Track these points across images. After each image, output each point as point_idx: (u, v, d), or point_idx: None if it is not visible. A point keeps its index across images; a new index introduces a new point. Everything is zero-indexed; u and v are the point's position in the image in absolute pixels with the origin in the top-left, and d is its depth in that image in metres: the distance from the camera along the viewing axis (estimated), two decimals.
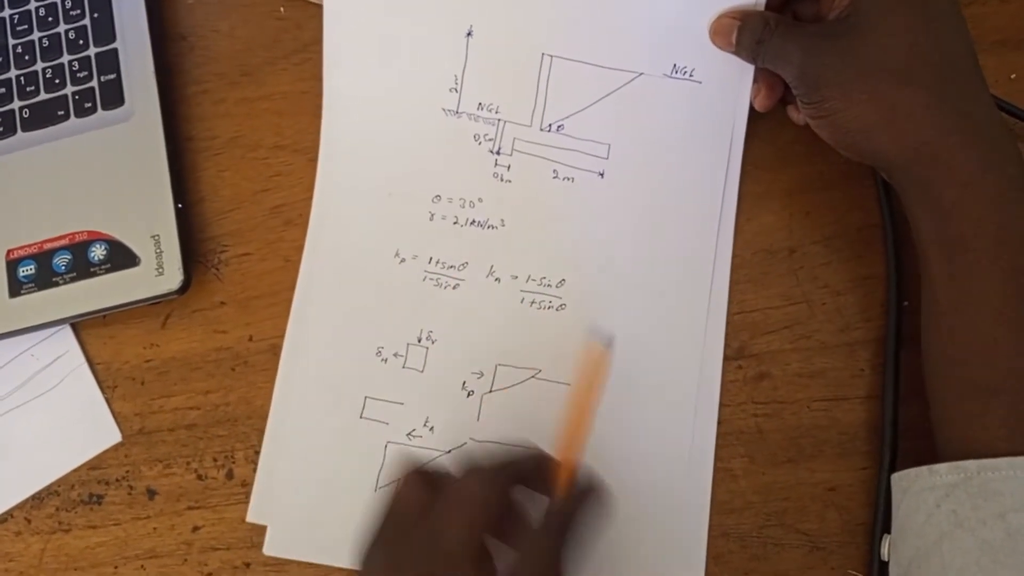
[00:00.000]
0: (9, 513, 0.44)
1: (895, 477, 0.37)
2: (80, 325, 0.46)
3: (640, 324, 0.42)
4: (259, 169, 0.47)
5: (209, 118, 0.48)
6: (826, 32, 0.38)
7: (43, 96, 0.47)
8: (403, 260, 0.44)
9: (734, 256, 0.43)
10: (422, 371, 0.43)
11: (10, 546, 0.44)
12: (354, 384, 0.43)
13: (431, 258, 0.44)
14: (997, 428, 0.34)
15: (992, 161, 0.35)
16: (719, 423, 0.42)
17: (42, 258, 0.45)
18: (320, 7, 0.48)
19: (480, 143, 0.44)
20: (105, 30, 0.47)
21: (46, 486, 0.45)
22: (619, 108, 0.43)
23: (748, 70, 0.42)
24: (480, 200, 0.44)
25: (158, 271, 0.45)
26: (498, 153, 0.44)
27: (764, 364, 0.42)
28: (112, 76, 0.47)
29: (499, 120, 0.44)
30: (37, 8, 0.48)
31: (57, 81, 0.47)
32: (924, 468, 0.35)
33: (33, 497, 0.44)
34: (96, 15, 0.48)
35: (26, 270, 0.45)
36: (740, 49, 0.40)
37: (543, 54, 0.43)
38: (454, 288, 0.43)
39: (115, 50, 0.47)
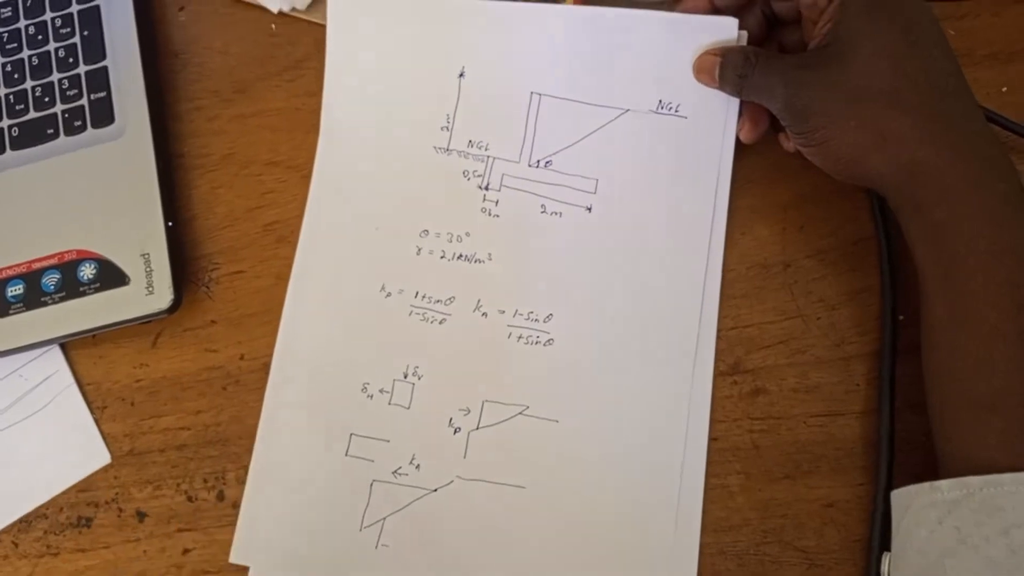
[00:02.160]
0: None
1: (895, 494, 0.37)
2: (69, 345, 0.46)
3: (628, 358, 0.42)
4: (252, 186, 0.47)
5: (202, 135, 0.48)
6: (808, 62, 0.38)
7: (33, 114, 0.47)
8: (389, 294, 0.44)
9: (728, 270, 0.43)
10: (408, 407, 0.42)
11: None
12: (339, 421, 0.42)
13: (417, 292, 0.44)
14: (996, 444, 0.33)
15: (984, 177, 0.35)
16: (714, 439, 0.41)
17: (31, 278, 0.45)
18: (312, 24, 0.48)
19: (469, 179, 0.44)
20: (95, 48, 0.47)
21: (34, 509, 0.44)
22: (606, 144, 0.43)
23: (734, 104, 0.42)
24: (468, 235, 0.44)
25: (148, 290, 0.44)
26: (487, 189, 0.44)
27: (760, 379, 0.42)
28: (102, 94, 0.47)
29: (488, 157, 0.44)
30: (27, 26, 0.48)
31: (47, 99, 0.47)
32: (926, 484, 0.34)
33: (21, 520, 0.44)
34: (86, 33, 0.47)
35: (15, 290, 0.45)
36: (723, 84, 0.41)
37: (531, 92, 0.44)
38: (440, 323, 0.43)
39: (105, 68, 0.47)
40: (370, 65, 0.45)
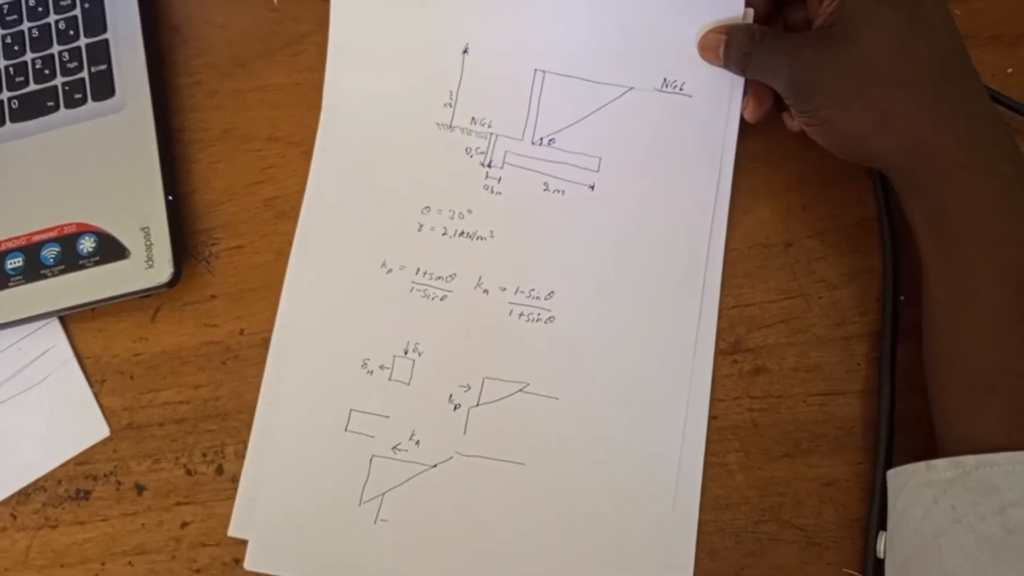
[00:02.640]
0: None
1: (891, 473, 0.37)
2: (68, 318, 0.46)
3: (629, 336, 0.42)
4: (252, 161, 0.47)
5: (202, 109, 0.48)
6: (813, 41, 0.37)
7: (33, 87, 0.47)
8: (390, 270, 0.43)
9: (730, 250, 0.43)
10: (408, 383, 0.42)
11: None
12: (339, 397, 0.42)
13: (418, 269, 0.43)
14: (994, 424, 0.33)
15: (988, 159, 0.35)
16: (714, 418, 0.41)
17: (30, 250, 0.45)
18: (316, 0, 0.48)
19: (472, 156, 0.44)
20: (96, 21, 0.47)
21: (33, 481, 0.44)
22: (610, 122, 0.43)
23: (738, 83, 0.42)
24: (469, 211, 0.44)
25: (148, 264, 0.44)
26: (489, 166, 0.44)
27: (760, 358, 0.42)
28: (103, 67, 0.47)
29: (491, 134, 0.44)
30: None
31: (47, 72, 0.47)
32: (922, 464, 0.35)
33: (19, 492, 0.44)
34: (87, 5, 0.47)
35: (14, 262, 0.45)
36: (728, 63, 0.41)
37: (535, 70, 0.44)
38: (441, 299, 0.43)
39: (106, 41, 0.47)
40: (373, 42, 0.45)
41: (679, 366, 0.41)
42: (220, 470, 0.43)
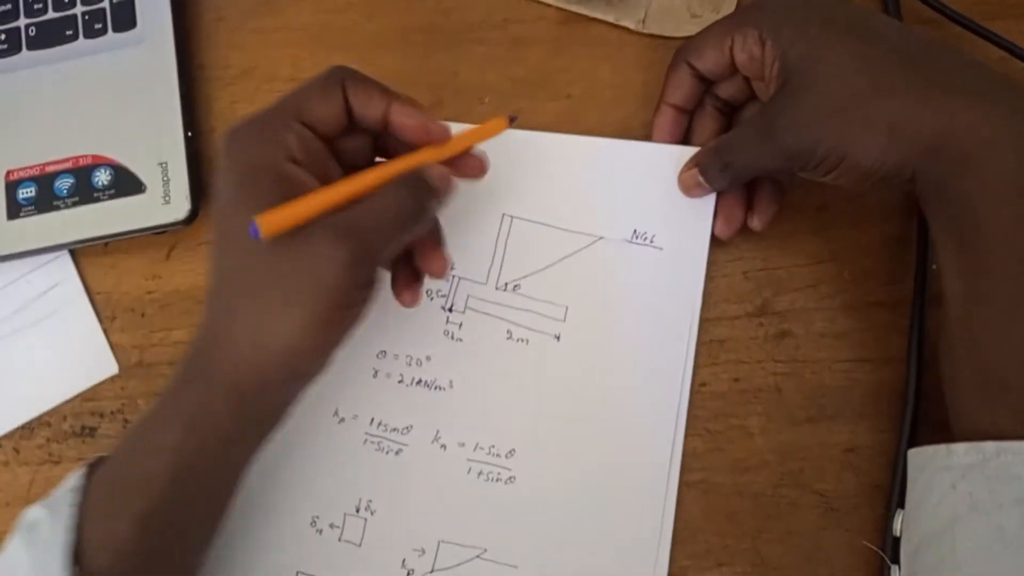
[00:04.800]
0: None
1: (911, 453, 0.36)
2: (79, 253, 0.45)
3: (594, 501, 0.39)
4: (273, 101, 0.45)
5: (224, 47, 0.47)
6: (778, 108, 0.36)
7: (51, 15, 0.46)
8: (342, 420, 0.41)
9: None
10: (359, 545, 0.40)
11: None
12: (286, 556, 0.40)
13: (373, 419, 0.41)
14: (1009, 421, 0.32)
15: (1002, 134, 0.33)
16: (736, 380, 0.41)
17: (43, 180, 0.44)
18: None
19: (432, 298, 0.42)
20: None
21: (37, 416, 0.43)
22: (578, 271, 0.41)
23: (705, 237, 0.41)
24: (428, 359, 0.41)
25: (164, 199, 0.43)
26: (450, 310, 0.42)
27: (787, 322, 0.41)
28: None
29: (454, 276, 0.42)
30: None
31: (67, 0, 0.46)
32: (942, 447, 0.33)
33: (23, 427, 0.43)
34: None
35: (26, 192, 0.44)
36: (717, 184, 0.40)
37: (503, 214, 0.42)
38: (396, 453, 0.40)
39: None
40: None
41: (648, 535, 0.39)
42: None
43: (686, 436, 0.40)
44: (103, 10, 0.45)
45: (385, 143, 0.36)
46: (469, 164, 0.37)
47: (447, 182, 0.35)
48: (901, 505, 0.37)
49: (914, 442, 0.39)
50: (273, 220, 0.30)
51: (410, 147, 0.35)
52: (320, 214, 0.31)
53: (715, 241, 0.41)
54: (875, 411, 0.40)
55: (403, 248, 0.36)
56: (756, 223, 0.41)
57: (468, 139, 0.36)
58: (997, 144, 0.33)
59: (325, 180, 0.33)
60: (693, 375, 0.40)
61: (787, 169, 0.37)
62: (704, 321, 0.41)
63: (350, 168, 0.35)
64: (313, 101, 0.33)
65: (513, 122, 0.37)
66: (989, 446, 0.31)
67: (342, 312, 0.32)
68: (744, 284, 0.42)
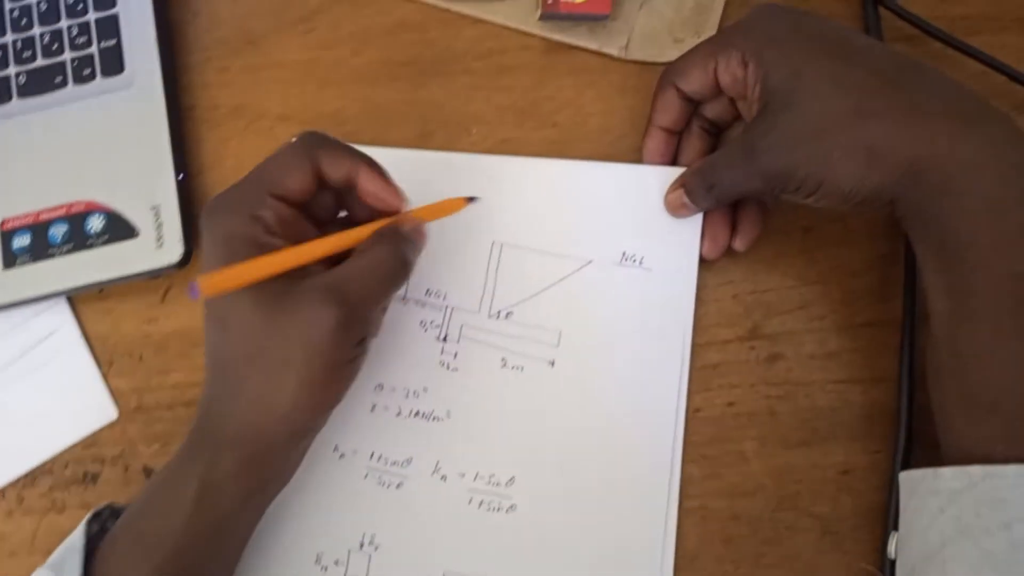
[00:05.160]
0: (1, 492, 0.43)
1: (902, 477, 0.36)
2: (76, 298, 0.45)
3: (597, 525, 0.40)
4: (263, 139, 0.46)
5: (213, 87, 0.47)
6: (760, 129, 0.36)
7: (40, 62, 0.46)
8: (343, 455, 0.41)
9: None
10: None
11: (2, 525, 0.43)
12: None
13: (373, 453, 0.41)
14: (997, 443, 0.32)
15: (983, 157, 0.33)
16: (730, 404, 0.41)
17: (38, 229, 0.44)
18: None
19: (427, 330, 0.42)
20: None
21: (39, 464, 0.43)
22: (569, 295, 0.42)
23: (694, 257, 0.41)
24: (425, 390, 0.41)
25: (158, 243, 0.43)
26: (444, 340, 0.42)
27: (778, 345, 0.42)
28: (112, 42, 0.46)
29: (447, 307, 0.42)
30: None
31: (55, 47, 0.46)
32: (930, 471, 0.33)
33: (26, 475, 0.43)
34: None
35: (21, 241, 0.44)
36: (702, 205, 0.40)
37: (493, 242, 0.42)
38: (398, 487, 0.41)
39: (116, 15, 0.46)
40: None
41: (651, 557, 0.39)
42: None
43: (683, 462, 0.40)
44: (91, 56, 0.46)
45: (350, 200, 0.37)
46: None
47: (422, 233, 0.36)
48: (896, 527, 0.37)
49: (908, 462, 0.39)
50: (212, 283, 0.31)
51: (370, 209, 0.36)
52: (263, 279, 0.32)
53: (704, 265, 0.42)
54: (868, 432, 0.40)
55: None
56: (739, 244, 0.41)
57: (424, 213, 0.37)
58: (977, 167, 0.33)
59: (300, 242, 0.34)
60: (688, 401, 0.41)
61: (769, 191, 0.37)
62: (696, 346, 0.41)
63: (318, 223, 0.36)
64: (286, 176, 0.34)
65: (471, 201, 0.38)
66: (976, 470, 0.32)
67: (337, 372, 0.33)
68: (734, 308, 0.42)
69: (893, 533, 0.37)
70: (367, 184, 0.35)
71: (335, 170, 0.35)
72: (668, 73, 0.41)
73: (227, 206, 0.34)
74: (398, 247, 0.34)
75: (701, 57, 0.39)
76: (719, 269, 0.42)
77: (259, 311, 0.32)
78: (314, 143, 0.35)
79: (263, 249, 0.33)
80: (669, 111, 0.41)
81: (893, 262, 0.42)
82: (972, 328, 0.33)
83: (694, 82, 0.40)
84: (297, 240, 0.34)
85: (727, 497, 0.40)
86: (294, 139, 0.35)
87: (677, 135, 0.42)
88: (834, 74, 0.35)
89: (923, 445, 0.39)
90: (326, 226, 0.37)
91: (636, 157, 0.43)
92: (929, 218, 0.34)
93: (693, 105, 0.42)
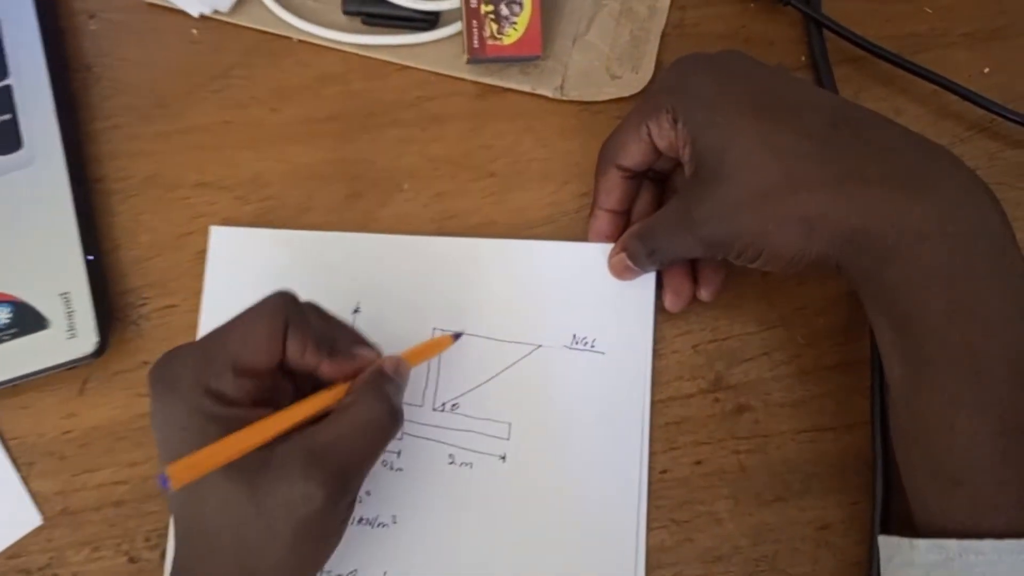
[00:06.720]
0: None
1: (881, 541, 0.34)
2: None
3: None
4: (180, 210, 0.43)
5: (122, 156, 0.44)
6: (694, 197, 0.35)
7: None
8: None
9: None
10: None
11: None
12: None
13: None
14: (965, 516, 0.31)
15: (928, 223, 0.31)
16: (698, 463, 0.39)
17: None
18: (238, 28, 0.44)
19: None
20: None
21: None
22: (518, 383, 0.39)
23: (648, 335, 0.39)
24: (368, 494, 0.39)
25: (70, 333, 0.40)
26: None
27: (743, 395, 0.39)
28: (7, 117, 0.42)
29: None
30: None
31: None
32: (905, 541, 0.32)
33: None
34: None
35: None
36: (646, 268, 0.39)
37: (433, 328, 0.40)
38: None
39: (8, 87, 0.43)
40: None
41: None
42: (164, 555, 0.39)
43: (652, 529, 0.38)
44: None
45: None
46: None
47: (405, 367, 0.34)
48: None
49: (887, 512, 0.37)
50: (180, 473, 0.28)
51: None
52: (235, 458, 0.30)
53: (662, 314, 0.39)
54: (844, 483, 0.38)
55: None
56: (704, 294, 0.39)
57: (410, 356, 0.35)
58: (921, 237, 0.31)
59: (273, 400, 0.32)
60: (652, 462, 0.39)
61: (711, 257, 0.36)
62: (657, 402, 0.39)
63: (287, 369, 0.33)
64: (250, 352, 0.31)
65: (458, 339, 0.37)
66: (952, 544, 0.30)
67: (327, 540, 0.32)
68: (695, 358, 0.40)
69: None
70: (327, 373, 0.33)
71: (299, 358, 0.32)
72: (605, 152, 0.39)
73: (182, 377, 0.31)
74: (386, 397, 0.32)
75: (633, 127, 0.37)
76: (676, 319, 0.40)
77: (237, 488, 0.30)
78: (284, 317, 0.32)
79: (228, 424, 0.30)
80: (613, 192, 0.39)
81: (855, 300, 0.39)
82: (930, 398, 0.31)
83: (635, 155, 0.38)
84: (265, 394, 0.32)
85: (702, 563, 0.38)
86: (263, 300, 0.32)
87: (626, 214, 0.40)
88: (764, 139, 0.33)
89: (901, 489, 0.37)
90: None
91: (581, 204, 0.41)
92: (876, 287, 0.32)
93: (638, 179, 0.39)
